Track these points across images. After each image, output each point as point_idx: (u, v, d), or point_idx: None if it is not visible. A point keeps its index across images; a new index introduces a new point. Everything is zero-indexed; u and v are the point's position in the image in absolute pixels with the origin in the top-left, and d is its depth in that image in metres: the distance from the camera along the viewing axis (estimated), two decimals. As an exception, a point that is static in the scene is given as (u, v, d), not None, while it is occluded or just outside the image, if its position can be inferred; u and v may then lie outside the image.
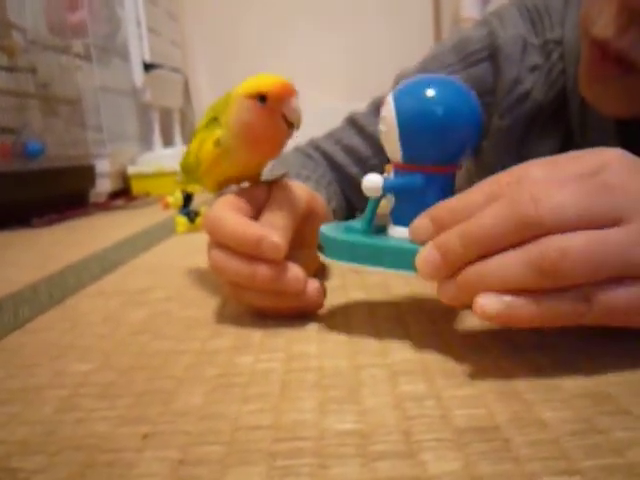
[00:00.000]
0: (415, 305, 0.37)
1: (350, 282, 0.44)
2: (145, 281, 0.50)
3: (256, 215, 0.35)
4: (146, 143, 1.76)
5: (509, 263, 0.24)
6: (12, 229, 1.01)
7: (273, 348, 0.31)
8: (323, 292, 0.34)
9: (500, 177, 0.26)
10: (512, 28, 0.63)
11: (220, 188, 0.40)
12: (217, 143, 0.36)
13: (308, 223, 0.38)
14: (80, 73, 1.43)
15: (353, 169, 0.74)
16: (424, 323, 0.33)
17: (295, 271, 0.32)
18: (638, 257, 0.23)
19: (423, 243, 0.27)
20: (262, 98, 0.33)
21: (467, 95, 0.30)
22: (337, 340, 0.31)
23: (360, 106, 0.75)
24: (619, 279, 0.23)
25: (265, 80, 0.34)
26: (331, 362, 0.28)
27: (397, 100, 0.30)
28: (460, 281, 0.25)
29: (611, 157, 0.26)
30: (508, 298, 0.24)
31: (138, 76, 1.62)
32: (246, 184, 0.39)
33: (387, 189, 0.30)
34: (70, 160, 1.26)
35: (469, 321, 0.33)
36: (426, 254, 0.26)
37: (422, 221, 0.28)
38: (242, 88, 0.34)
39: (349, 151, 0.74)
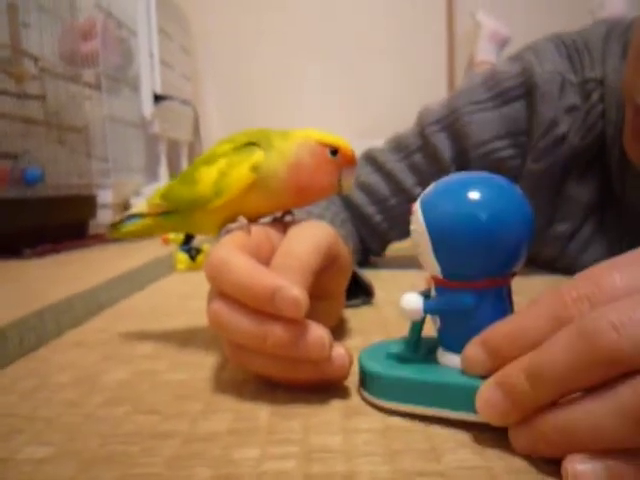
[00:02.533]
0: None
1: (375, 339, 0.37)
2: (133, 330, 0.43)
3: (269, 260, 0.29)
4: (152, 175, 1.71)
5: (599, 414, 0.18)
6: (2, 259, 0.94)
7: (285, 438, 0.23)
8: (350, 360, 0.27)
9: (563, 291, 0.20)
10: (549, 64, 0.57)
11: (221, 227, 0.33)
12: (255, 169, 0.32)
13: (329, 270, 0.32)
14: (89, 102, 1.40)
15: (369, 208, 0.67)
16: (478, 407, 0.26)
17: (318, 333, 0.25)
18: None
19: (480, 376, 0.22)
20: (334, 152, 0.33)
21: (511, 191, 0.24)
22: (369, 428, 0.24)
23: (373, 144, 0.69)
24: None
25: (341, 139, 0.34)
26: (365, 465, 0.21)
27: (426, 207, 0.24)
28: (537, 435, 0.19)
29: None
30: (609, 462, 0.17)
31: (147, 107, 1.59)
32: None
33: (429, 312, 0.25)
34: (71, 189, 1.21)
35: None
36: (488, 396, 0.21)
37: (475, 350, 0.22)
38: (317, 135, 0.34)
39: (366, 189, 0.68)
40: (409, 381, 0.25)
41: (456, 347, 0.24)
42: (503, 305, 0.25)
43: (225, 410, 0.27)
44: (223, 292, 0.27)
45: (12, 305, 0.55)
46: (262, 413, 0.26)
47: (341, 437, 0.23)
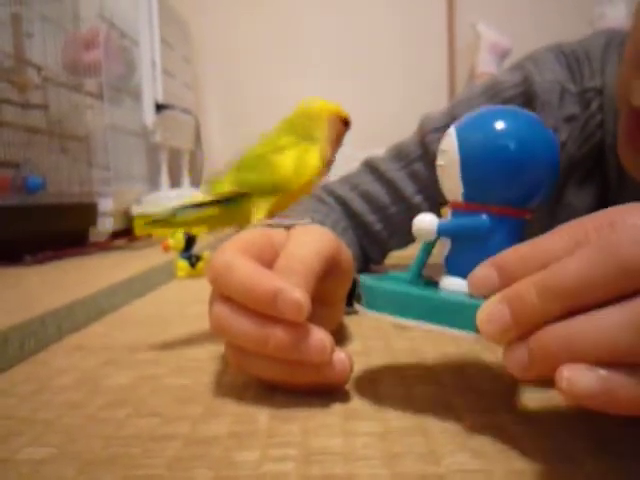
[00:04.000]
0: (461, 383, 0.30)
1: (374, 346, 0.37)
2: (134, 335, 0.43)
3: (272, 263, 0.29)
4: (153, 183, 1.72)
5: (605, 324, 0.17)
6: (3, 265, 0.94)
7: (285, 440, 0.23)
8: (350, 364, 0.27)
9: (584, 221, 0.20)
10: (549, 73, 0.58)
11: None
12: (321, 158, 0.40)
13: (331, 276, 0.32)
14: (91, 111, 1.41)
15: (369, 217, 0.68)
16: (478, 411, 0.26)
17: (320, 337, 0.25)
18: None
19: (487, 297, 0.21)
20: (347, 123, 0.42)
21: (542, 128, 0.25)
22: (369, 432, 0.24)
23: (373, 153, 0.70)
24: None
25: (343, 110, 0.42)
26: (364, 469, 0.21)
27: (461, 131, 0.25)
28: (536, 345, 0.19)
29: None
30: (607, 372, 0.17)
31: (149, 116, 1.59)
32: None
33: (443, 232, 0.25)
34: (72, 197, 1.21)
35: (535, 403, 0.26)
36: (492, 308, 0.20)
37: (485, 270, 0.21)
38: (334, 109, 0.42)
39: (366, 198, 0.68)
40: (409, 294, 0.24)
41: (463, 273, 0.24)
42: (517, 238, 0.24)
43: (225, 413, 0.27)
44: (225, 295, 0.27)
45: (13, 310, 0.55)
46: (262, 416, 0.26)
47: (340, 440, 0.23)
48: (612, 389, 0.17)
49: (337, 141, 0.42)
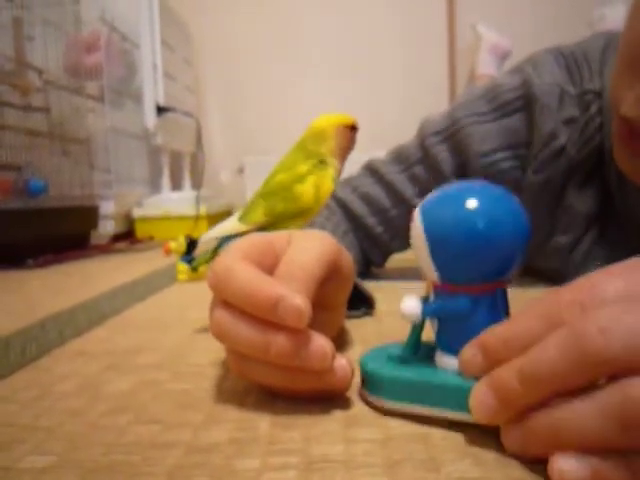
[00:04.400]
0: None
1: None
2: (135, 340, 0.43)
3: (273, 269, 0.29)
4: (154, 186, 1.72)
5: (585, 414, 0.18)
6: (4, 269, 0.95)
7: (286, 448, 0.23)
8: (351, 371, 0.27)
9: (559, 295, 0.21)
10: (548, 76, 0.58)
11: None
12: (333, 179, 0.44)
13: (332, 281, 0.32)
14: (92, 114, 1.41)
15: (370, 220, 0.68)
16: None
17: (320, 343, 0.25)
18: None
19: (477, 379, 0.22)
20: (354, 127, 0.46)
21: (508, 200, 0.25)
22: (370, 439, 0.24)
23: (375, 156, 0.70)
24: None
25: (348, 115, 0.46)
26: (365, 476, 0.21)
27: (425, 214, 0.25)
28: (527, 433, 0.20)
29: None
30: (594, 461, 0.18)
31: (150, 119, 1.60)
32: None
33: (427, 315, 0.26)
34: (73, 200, 1.21)
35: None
36: (480, 395, 0.21)
37: (471, 352, 0.23)
38: (340, 120, 0.45)
39: (367, 200, 0.68)
40: (407, 381, 0.25)
41: (453, 349, 0.25)
42: (499, 309, 0.25)
43: (226, 420, 0.27)
44: (226, 301, 0.27)
45: (14, 315, 0.56)
46: (263, 423, 0.26)
47: (341, 447, 0.23)
48: (602, 477, 0.18)
49: (347, 148, 0.46)
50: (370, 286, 0.49)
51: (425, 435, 0.24)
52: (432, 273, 0.26)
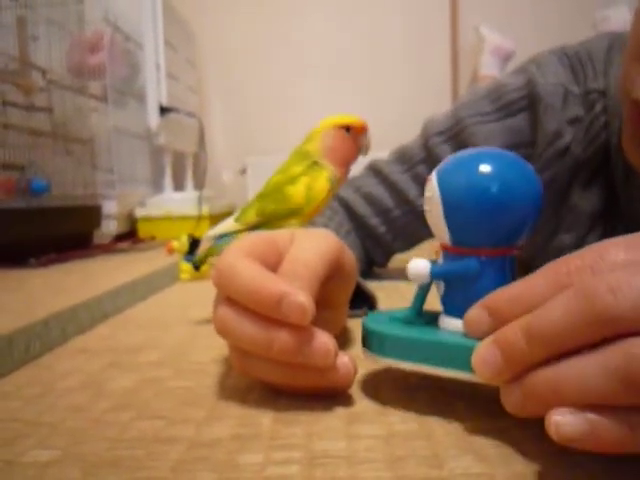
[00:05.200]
0: (463, 387, 0.30)
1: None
2: (137, 338, 0.44)
3: (276, 266, 0.29)
4: (157, 186, 1.72)
5: (587, 371, 0.18)
6: (7, 268, 0.95)
7: (288, 443, 0.24)
8: (354, 368, 0.27)
9: (568, 260, 0.21)
10: (552, 76, 0.58)
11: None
12: (329, 179, 0.45)
13: (335, 279, 0.32)
14: (95, 114, 1.41)
15: (373, 219, 0.68)
16: (481, 417, 0.26)
17: (323, 340, 0.26)
18: None
19: (480, 338, 0.22)
20: (348, 129, 0.45)
21: (522, 167, 0.25)
22: (372, 435, 0.24)
23: (378, 156, 0.70)
24: None
25: (349, 116, 0.46)
26: (368, 472, 0.21)
27: (441, 177, 0.26)
28: (528, 390, 0.20)
29: None
30: (591, 415, 0.18)
31: (153, 119, 1.60)
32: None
33: (435, 276, 0.26)
34: (76, 200, 1.22)
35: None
36: (485, 353, 0.21)
37: (477, 312, 0.23)
38: (331, 121, 0.45)
39: (370, 200, 0.68)
40: (409, 339, 0.25)
41: (458, 312, 0.25)
42: (506, 275, 0.26)
43: (229, 416, 0.27)
44: (229, 298, 0.27)
45: (17, 313, 0.56)
46: (265, 419, 0.26)
47: (344, 443, 0.23)
48: (597, 432, 0.18)
49: (342, 149, 0.45)
50: (372, 286, 0.49)
51: (428, 431, 0.24)
52: (444, 235, 0.26)
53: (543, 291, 0.21)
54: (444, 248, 0.27)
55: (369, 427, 0.25)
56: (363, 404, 0.28)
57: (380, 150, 0.72)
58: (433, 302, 0.28)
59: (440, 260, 0.27)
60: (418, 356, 0.25)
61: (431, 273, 0.26)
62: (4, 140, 1.06)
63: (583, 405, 0.18)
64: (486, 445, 0.23)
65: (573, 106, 0.56)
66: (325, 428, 0.25)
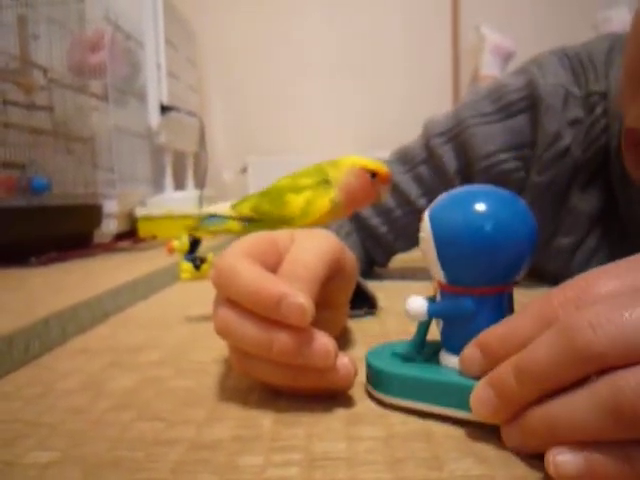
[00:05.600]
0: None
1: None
2: (138, 337, 0.44)
3: (276, 267, 0.29)
4: (157, 185, 1.72)
5: (577, 407, 0.18)
6: (8, 267, 0.95)
7: (288, 445, 0.24)
8: (354, 369, 0.27)
9: (552, 295, 0.21)
10: (553, 77, 0.58)
11: None
12: (332, 201, 0.44)
13: (335, 279, 0.32)
14: (96, 113, 1.41)
15: (374, 220, 0.68)
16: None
17: (323, 342, 0.26)
18: None
19: (476, 376, 0.23)
20: (374, 175, 0.45)
21: (513, 201, 0.25)
22: (372, 436, 0.24)
23: (379, 157, 0.70)
24: None
25: (379, 164, 0.46)
26: (368, 474, 0.21)
27: (434, 216, 0.26)
28: (525, 429, 0.20)
29: None
30: (588, 454, 0.18)
31: (154, 118, 1.60)
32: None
33: (432, 315, 0.26)
34: (76, 199, 1.22)
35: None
36: (481, 393, 0.22)
37: (471, 351, 0.24)
38: (361, 161, 0.45)
39: (371, 201, 0.68)
40: (411, 378, 0.26)
41: (457, 349, 0.25)
42: (502, 311, 0.26)
43: (229, 418, 0.27)
44: (230, 298, 0.27)
45: (17, 312, 0.56)
46: (266, 421, 0.26)
47: (344, 445, 0.23)
48: (594, 469, 0.18)
49: (362, 191, 0.45)
50: (373, 286, 0.49)
51: (428, 433, 0.24)
52: (439, 274, 0.26)
53: (530, 328, 0.21)
54: (440, 286, 0.27)
55: (369, 428, 0.25)
56: (363, 405, 0.28)
57: (380, 150, 0.72)
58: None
59: (438, 297, 0.27)
60: (420, 396, 0.25)
61: (428, 311, 0.26)
62: (5, 139, 1.05)
63: (579, 442, 0.18)
64: (486, 447, 0.23)
65: (574, 108, 0.56)
66: (325, 429, 0.25)
